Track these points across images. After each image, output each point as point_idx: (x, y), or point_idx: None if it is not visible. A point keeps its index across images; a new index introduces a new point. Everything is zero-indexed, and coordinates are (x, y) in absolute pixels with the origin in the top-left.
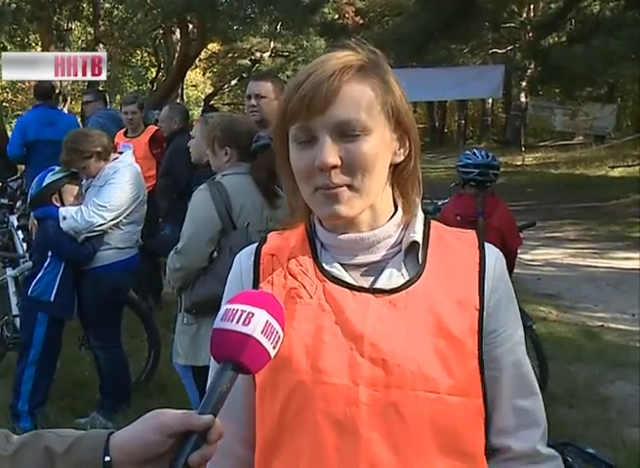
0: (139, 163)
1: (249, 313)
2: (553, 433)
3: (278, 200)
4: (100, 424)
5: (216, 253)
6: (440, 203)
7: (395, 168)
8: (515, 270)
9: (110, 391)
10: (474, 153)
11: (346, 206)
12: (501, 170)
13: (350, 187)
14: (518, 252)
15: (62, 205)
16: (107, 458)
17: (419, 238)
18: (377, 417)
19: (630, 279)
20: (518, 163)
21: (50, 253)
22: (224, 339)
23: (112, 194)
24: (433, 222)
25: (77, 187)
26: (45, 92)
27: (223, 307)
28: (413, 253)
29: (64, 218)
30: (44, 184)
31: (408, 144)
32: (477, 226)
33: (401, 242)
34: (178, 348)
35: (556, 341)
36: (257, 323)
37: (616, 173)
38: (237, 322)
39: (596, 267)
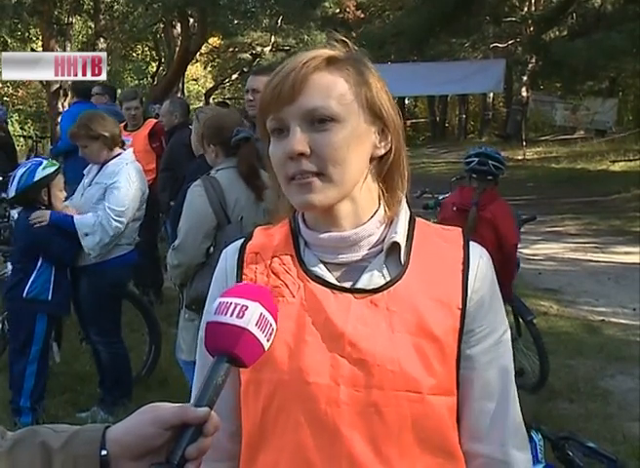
0: (138, 156)
1: (243, 306)
2: (554, 427)
3: (264, 193)
4: (100, 418)
5: (213, 249)
6: (441, 197)
7: (379, 162)
8: None
9: (111, 386)
10: (480, 148)
11: (319, 195)
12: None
13: (322, 176)
14: (518, 247)
15: (49, 199)
16: (104, 452)
17: (400, 239)
18: (357, 417)
19: (631, 273)
20: (519, 157)
21: (40, 255)
22: (219, 332)
23: (125, 197)
24: (418, 221)
25: (62, 180)
26: (87, 91)
27: (217, 300)
28: (395, 253)
29: (86, 235)
30: (36, 178)
31: (390, 138)
32: (469, 215)
33: (383, 241)
34: (181, 344)
35: (557, 336)
36: (251, 315)
37: (617, 167)
38: (231, 315)
39: (597, 262)
